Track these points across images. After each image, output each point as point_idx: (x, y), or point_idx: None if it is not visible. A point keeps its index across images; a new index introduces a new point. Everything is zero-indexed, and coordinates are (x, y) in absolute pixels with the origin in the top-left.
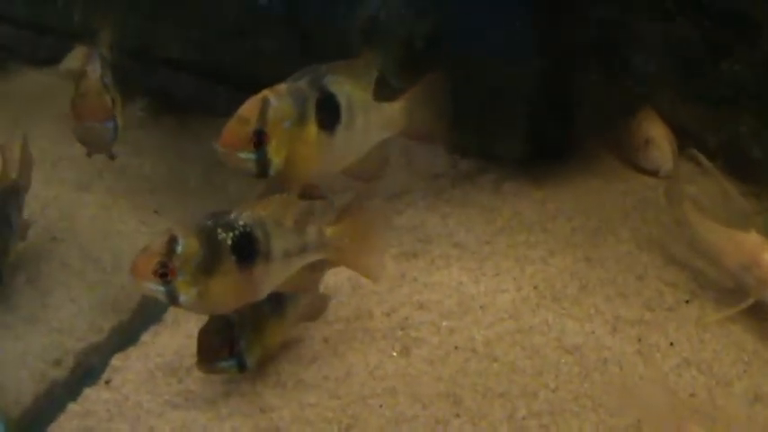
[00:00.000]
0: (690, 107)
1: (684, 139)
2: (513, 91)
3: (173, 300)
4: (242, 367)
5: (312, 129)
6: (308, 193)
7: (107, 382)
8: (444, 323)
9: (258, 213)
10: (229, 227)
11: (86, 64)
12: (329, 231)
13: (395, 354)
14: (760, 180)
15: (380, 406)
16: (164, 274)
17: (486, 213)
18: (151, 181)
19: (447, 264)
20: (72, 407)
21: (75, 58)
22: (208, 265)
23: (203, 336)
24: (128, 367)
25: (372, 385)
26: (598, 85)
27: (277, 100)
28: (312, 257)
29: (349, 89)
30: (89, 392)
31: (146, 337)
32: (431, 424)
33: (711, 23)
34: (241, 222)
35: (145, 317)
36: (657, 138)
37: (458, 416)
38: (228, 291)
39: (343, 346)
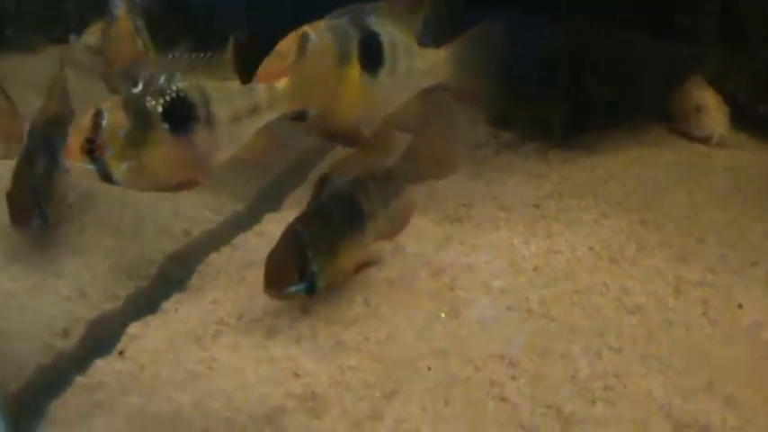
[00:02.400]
0: (737, 76)
1: (733, 108)
2: (555, 52)
3: (106, 177)
4: (312, 291)
5: (355, 70)
6: (349, 138)
7: (121, 353)
8: (496, 283)
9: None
10: (159, 93)
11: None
12: (279, 85)
13: (443, 315)
14: None
15: (428, 368)
16: (91, 150)
17: (533, 179)
18: None
19: (495, 226)
20: (80, 380)
21: (93, 33)
22: (137, 137)
23: (271, 258)
24: (145, 336)
25: (419, 347)
26: (644, 48)
27: (317, 37)
28: (267, 116)
29: (392, 30)
30: (100, 364)
31: (167, 305)
32: (485, 386)
33: None
34: (173, 88)
35: (166, 284)
36: (708, 104)
37: (514, 378)
38: (165, 162)
39: (386, 307)
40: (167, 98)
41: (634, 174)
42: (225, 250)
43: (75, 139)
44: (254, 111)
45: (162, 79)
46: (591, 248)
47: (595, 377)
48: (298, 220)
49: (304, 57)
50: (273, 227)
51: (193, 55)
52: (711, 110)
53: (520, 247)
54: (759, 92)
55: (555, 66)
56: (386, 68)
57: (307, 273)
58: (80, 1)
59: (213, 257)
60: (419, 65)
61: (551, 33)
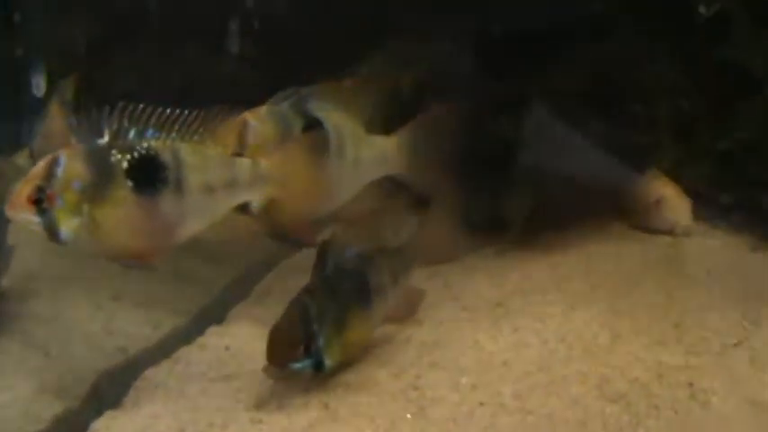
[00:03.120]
0: (695, 166)
1: (694, 199)
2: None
3: (52, 233)
4: (319, 368)
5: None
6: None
7: None
8: (464, 380)
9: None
10: (127, 148)
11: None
12: (265, 163)
13: (409, 416)
14: None
15: None
16: (39, 200)
17: (494, 278)
18: (111, 266)
19: (457, 326)
20: None
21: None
22: (95, 192)
23: (275, 331)
24: None
25: None
26: (599, 137)
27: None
28: (245, 195)
29: (337, 116)
30: None
31: (98, 424)
32: None
33: (710, 76)
34: (144, 145)
35: (99, 402)
36: (668, 195)
37: None
38: (122, 225)
39: (345, 410)
40: (136, 154)
41: (598, 268)
42: (165, 364)
43: (24, 185)
44: (231, 185)
45: (132, 134)
46: (563, 340)
47: None
48: (304, 290)
49: (245, 144)
50: (217, 340)
51: (176, 111)
52: (672, 201)
53: (486, 344)
54: (720, 182)
55: (511, 159)
56: (331, 157)
57: (313, 347)
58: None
59: (151, 372)
60: (367, 153)
61: (506, 124)
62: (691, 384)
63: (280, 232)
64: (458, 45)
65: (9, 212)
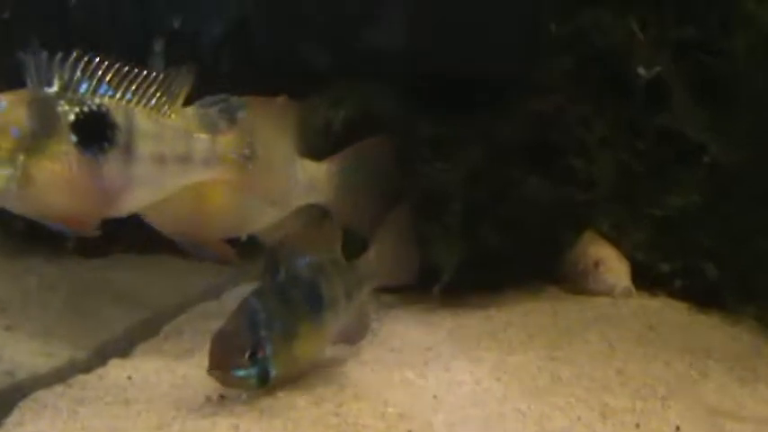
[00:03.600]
0: (633, 233)
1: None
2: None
3: None
4: (264, 379)
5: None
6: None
7: None
8: (390, 409)
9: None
10: (76, 101)
11: None
12: (224, 140)
13: None
14: (722, 303)
15: None
16: None
17: (424, 326)
18: (5, 296)
19: (384, 366)
20: None
21: None
22: (34, 142)
23: (218, 337)
24: None
25: None
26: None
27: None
28: (200, 173)
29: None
30: None
31: None
32: None
33: (650, 141)
34: (96, 100)
35: None
36: (607, 257)
37: None
38: (59, 181)
39: None
40: (85, 108)
41: (535, 321)
42: (57, 388)
43: None
44: (185, 160)
45: (83, 87)
46: (498, 379)
47: None
48: (254, 293)
49: None
50: (119, 370)
51: (135, 71)
52: (611, 262)
53: (415, 381)
54: (658, 249)
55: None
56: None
57: (260, 354)
58: None
59: (41, 394)
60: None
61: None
62: (638, 425)
63: (193, 240)
64: (391, 87)
65: None
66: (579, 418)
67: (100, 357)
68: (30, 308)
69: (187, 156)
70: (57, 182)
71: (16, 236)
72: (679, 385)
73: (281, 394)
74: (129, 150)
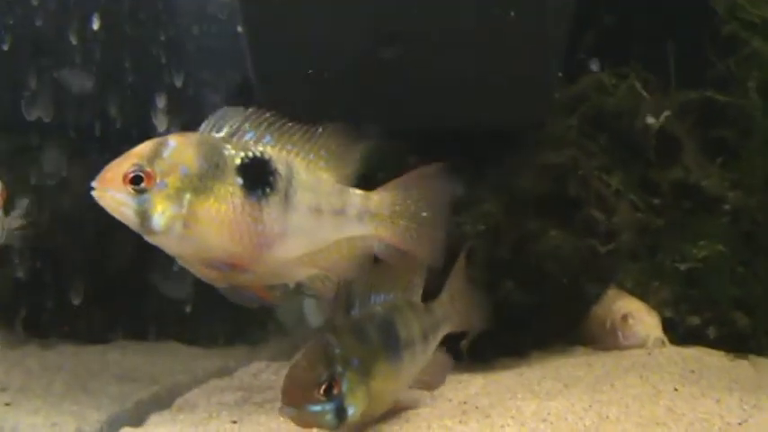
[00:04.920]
0: (659, 289)
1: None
2: None
3: (143, 221)
4: (341, 416)
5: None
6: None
7: None
8: None
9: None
10: (242, 146)
11: None
12: (376, 198)
13: None
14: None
15: None
16: (136, 178)
17: (454, 383)
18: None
19: (419, 416)
20: None
21: None
22: (200, 182)
23: (292, 372)
24: None
25: None
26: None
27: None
28: (353, 228)
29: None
30: None
31: None
32: None
33: (665, 199)
34: (260, 148)
35: None
36: (636, 310)
37: None
38: (225, 221)
39: None
40: (250, 153)
41: (569, 373)
42: None
43: (121, 161)
44: (339, 214)
45: (249, 135)
46: (543, 420)
47: None
48: (329, 330)
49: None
50: None
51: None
52: (641, 314)
53: (456, 427)
54: (686, 303)
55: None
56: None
57: (335, 390)
58: None
59: None
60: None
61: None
62: None
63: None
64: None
65: (97, 191)
66: None
67: (111, 427)
68: (32, 387)
69: (342, 210)
70: (221, 222)
71: (12, 326)
72: (734, 419)
73: None
74: (288, 199)
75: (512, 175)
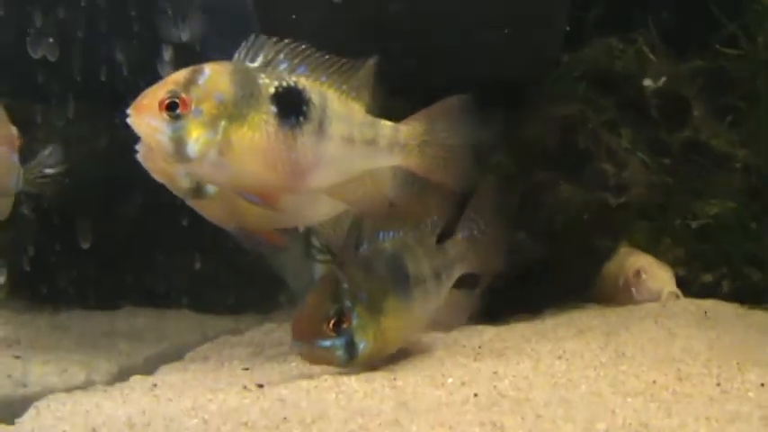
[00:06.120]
0: (670, 248)
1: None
2: None
3: (178, 148)
4: (352, 352)
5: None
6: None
7: None
8: (450, 380)
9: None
10: (276, 76)
11: None
12: (405, 129)
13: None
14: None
15: None
16: (172, 105)
17: (468, 331)
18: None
19: (436, 357)
20: None
21: None
22: (235, 110)
23: (303, 307)
24: None
25: None
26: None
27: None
28: (384, 158)
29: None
30: None
31: None
32: None
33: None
34: (294, 78)
35: None
36: (648, 265)
37: None
38: (259, 149)
39: None
40: (284, 83)
41: (584, 322)
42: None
43: (157, 88)
44: (371, 144)
45: (284, 65)
46: (559, 357)
47: None
48: (337, 265)
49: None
50: (142, 383)
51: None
52: (654, 269)
53: (470, 364)
54: (699, 260)
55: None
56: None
57: (345, 324)
58: None
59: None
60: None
61: None
62: (718, 384)
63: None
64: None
65: (132, 118)
66: (654, 382)
67: (120, 377)
68: (41, 343)
69: (373, 140)
70: (255, 149)
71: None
72: (751, 356)
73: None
74: (321, 128)
75: (522, 126)
